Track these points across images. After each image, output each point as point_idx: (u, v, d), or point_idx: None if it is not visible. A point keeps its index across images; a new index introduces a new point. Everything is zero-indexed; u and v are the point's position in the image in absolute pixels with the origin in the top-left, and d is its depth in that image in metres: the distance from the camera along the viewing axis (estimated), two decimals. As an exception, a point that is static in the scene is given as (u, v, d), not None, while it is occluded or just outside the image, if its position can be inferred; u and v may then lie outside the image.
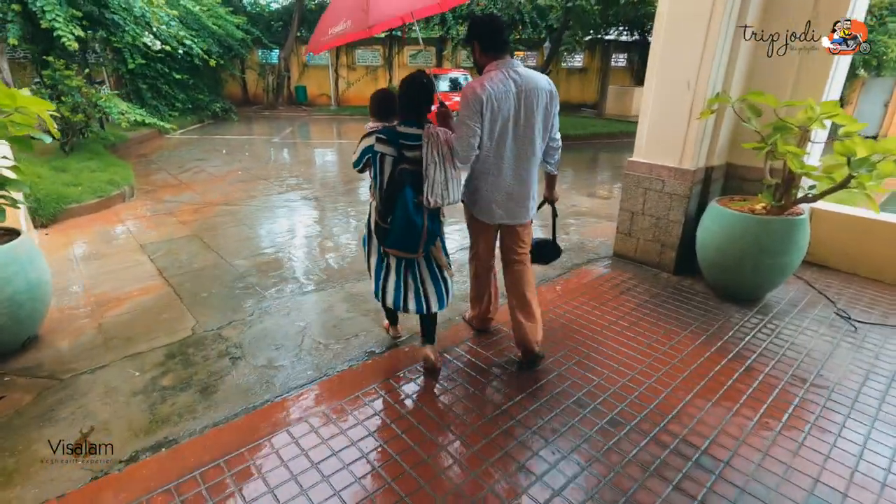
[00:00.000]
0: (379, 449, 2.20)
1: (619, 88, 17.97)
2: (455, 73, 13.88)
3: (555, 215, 3.07)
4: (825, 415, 2.43)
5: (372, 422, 2.37)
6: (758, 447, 2.21)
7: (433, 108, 2.52)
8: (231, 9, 16.15)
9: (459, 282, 3.94)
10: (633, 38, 18.24)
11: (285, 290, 3.87)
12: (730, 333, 3.17)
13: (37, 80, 8.65)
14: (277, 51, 18.18)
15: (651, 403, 2.49)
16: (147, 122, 8.93)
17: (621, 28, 17.37)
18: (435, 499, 1.93)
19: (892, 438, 2.27)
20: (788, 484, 2.02)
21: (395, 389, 2.62)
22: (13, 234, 3.01)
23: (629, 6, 13.30)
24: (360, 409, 2.46)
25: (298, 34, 17.62)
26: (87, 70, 9.06)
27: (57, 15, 7.58)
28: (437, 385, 2.67)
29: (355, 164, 2.56)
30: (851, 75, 14.26)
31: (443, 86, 12.93)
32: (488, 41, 2.45)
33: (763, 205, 3.48)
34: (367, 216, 2.73)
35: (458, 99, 2.55)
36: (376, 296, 2.71)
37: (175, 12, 10.68)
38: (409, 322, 3.24)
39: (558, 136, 2.67)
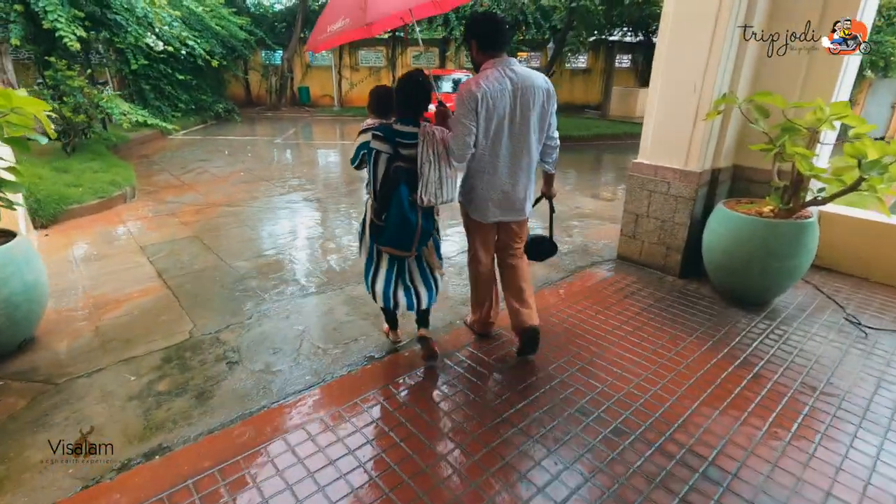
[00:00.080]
0: (377, 458, 2.15)
1: (623, 89, 17.88)
2: (458, 74, 13.83)
3: (552, 211, 3.05)
4: (836, 424, 2.37)
5: (370, 429, 2.32)
6: (767, 458, 2.15)
7: (432, 107, 2.51)
8: (235, 10, 16.16)
9: (460, 285, 3.90)
10: (638, 38, 18.15)
11: (285, 293, 3.82)
12: (737, 339, 3.10)
13: (40, 80, 8.65)
14: (281, 52, 18.21)
15: (656, 412, 2.43)
16: (149, 122, 8.92)
17: (625, 29, 17.29)
18: (434, 510, 1.88)
19: (906, 449, 2.21)
20: (799, 497, 1.95)
21: (394, 396, 2.57)
22: (9, 235, 2.97)
23: (633, 7, 13.23)
24: (359, 415, 2.41)
25: (302, 35, 17.61)
26: (89, 70, 9.06)
27: (59, 15, 7.58)
28: (437, 391, 2.62)
29: (352, 161, 2.57)
30: (858, 76, 14.14)
31: (445, 87, 12.88)
32: (485, 40, 2.45)
33: (771, 207, 3.42)
34: (362, 215, 2.73)
35: None
36: (368, 290, 2.72)
37: (178, 13, 10.68)
38: (410, 326, 3.19)
39: (556, 135, 2.66)
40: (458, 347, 3.01)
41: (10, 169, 2.86)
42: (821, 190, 3.26)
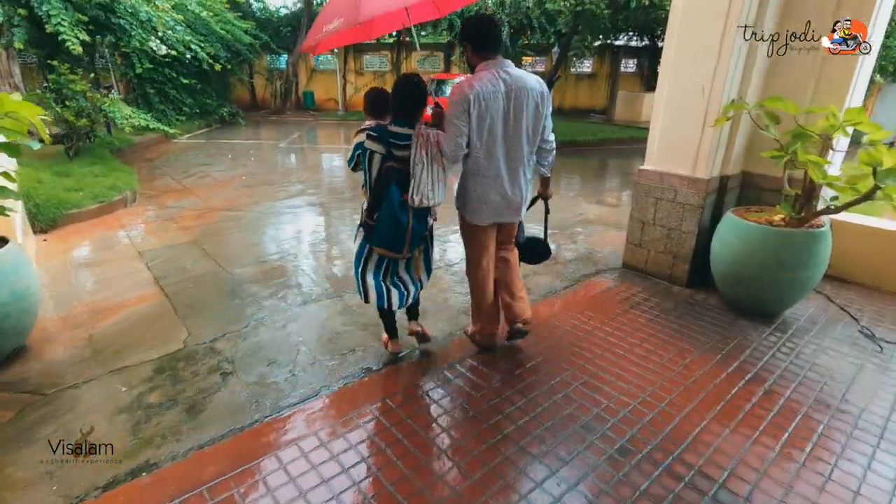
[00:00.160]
0: (372, 477, 2.06)
1: (628, 94, 17.79)
2: (462, 78, 13.77)
3: (547, 212, 3.07)
4: (852, 445, 2.26)
5: (365, 446, 2.23)
6: (781, 481, 2.04)
7: (428, 109, 2.52)
8: (240, 14, 16.20)
9: (461, 294, 3.81)
10: (643, 43, 18.06)
11: (283, 301, 3.75)
12: (747, 352, 3.00)
13: (46, 84, 8.66)
14: (286, 56, 18.24)
15: (664, 430, 2.33)
16: (151, 126, 8.90)
17: (631, 33, 17.18)
18: (429, 536, 1.79)
19: (927, 473, 2.10)
20: (815, 524, 1.85)
21: (391, 410, 2.48)
22: (1, 242, 2.92)
23: (639, 11, 13.12)
24: (354, 431, 2.32)
25: (307, 39, 17.64)
26: (92, 74, 9.07)
27: (62, 19, 7.58)
28: (436, 406, 2.53)
29: (349, 162, 2.60)
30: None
31: (449, 91, 12.82)
32: (480, 41, 2.47)
33: (782, 216, 3.31)
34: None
35: None
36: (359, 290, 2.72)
37: (181, 17, 10.69)
38: (408, 337, 3.12)
39: (551, 137, 2.67)
40: (458, 360, 2.92)
41: (3, 174, 2.80)
42: (833, 198, 3.16)
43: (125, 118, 8.36)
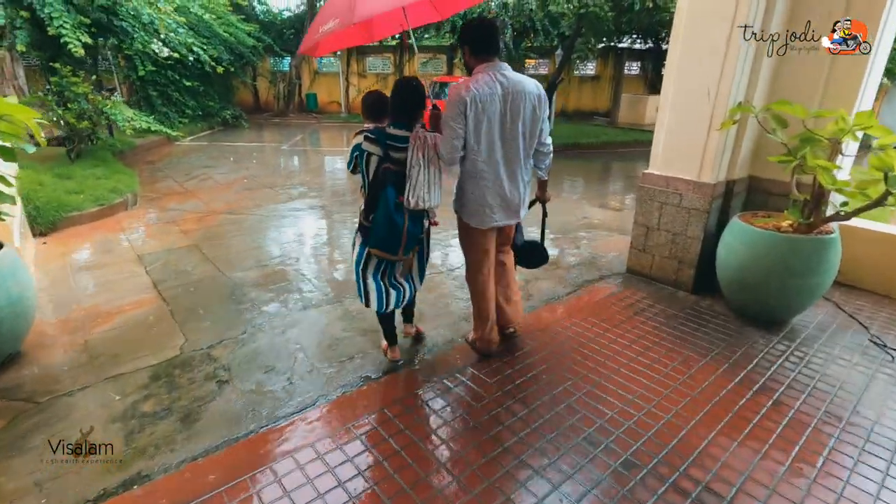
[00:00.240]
0: (369, 491, 2.00)
1: (632, 97, 17.71)
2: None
3: (545, 215, 3.04)
4: (864, 459, 2.19)
5: (363, 458, 2.17)
6: (791, 498, 1.97)
7: (427, 112, 2.54)
8: (243, 17, 16.21)
9: (462, 299, 3.75)
10: (647, 46, 17.97)
11: (282, 306, 3.70)
12: (754, 361, 2.93)
13: (48, 86, 8.66)
14: (289, 58, 18.23)
15: (669, 443, 2.26)
16: (153, 129, 8.89)
17: (635, 36, 17.11)
18: (427, 554, 1.73)
19: (944, 490, 2.02)
20: (828, 544, 1.78)
21: (389, 420, 2.42)
22: (-3, 246, 2.88)
23: (643, 13, 13.05)
24: (351, 442, 2.27)
25: (310, 42, 17.63)
26: (95, 76, 9.07)
27: (64, 22, 7.59)
28: (435, 416, 2.47)
29: (348, 165, 2.59)
30: (873, 84, 13.86)
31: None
32: (478, 44, 2.47)
33: (790, 222, 3.25)
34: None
35: None
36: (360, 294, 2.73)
37: (184, 19, 10.69)
38: (408, 344, 3.07)
39: (549, 140, 2.67)
40: (459, 368, 2.86)
41: (0, 178, 2.76)
42: (843, 204, 3.09)
43: (126, 120, 8.35)
